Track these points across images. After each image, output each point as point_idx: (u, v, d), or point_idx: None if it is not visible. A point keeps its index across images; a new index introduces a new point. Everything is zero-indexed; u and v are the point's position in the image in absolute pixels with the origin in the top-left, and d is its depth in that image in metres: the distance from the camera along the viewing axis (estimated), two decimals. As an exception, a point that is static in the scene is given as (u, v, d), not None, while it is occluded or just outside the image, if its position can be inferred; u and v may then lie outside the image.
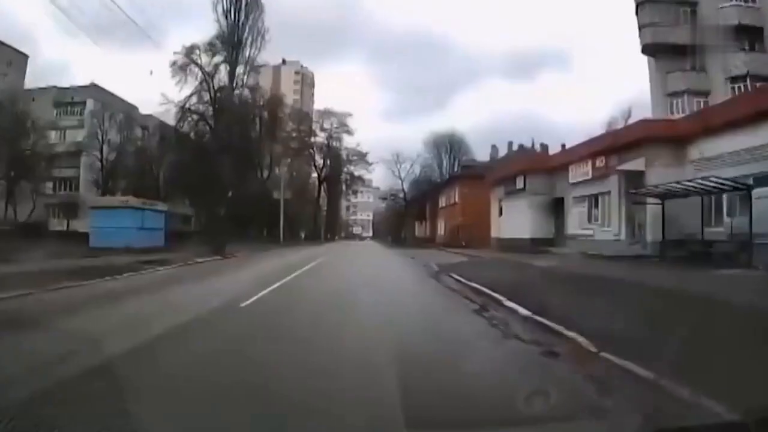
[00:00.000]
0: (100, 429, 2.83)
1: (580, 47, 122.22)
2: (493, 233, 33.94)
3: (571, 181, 25.30)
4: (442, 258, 22.38)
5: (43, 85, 49.78)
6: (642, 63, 32.50)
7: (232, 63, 29.68)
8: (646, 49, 31.64)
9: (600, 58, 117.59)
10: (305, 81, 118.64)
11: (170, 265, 16.24)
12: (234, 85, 30.15)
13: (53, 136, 49.22)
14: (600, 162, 22.82)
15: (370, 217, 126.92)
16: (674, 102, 31.09)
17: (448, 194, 47.00)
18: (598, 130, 36.89)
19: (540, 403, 3.20)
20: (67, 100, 49.53)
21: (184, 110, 31.33)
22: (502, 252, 26.69)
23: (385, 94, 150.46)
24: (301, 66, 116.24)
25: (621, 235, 21.49)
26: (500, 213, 32.90)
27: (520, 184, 28.89)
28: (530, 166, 28.28)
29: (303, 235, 67.64)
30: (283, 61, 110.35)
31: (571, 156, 25.65)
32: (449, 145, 58.93)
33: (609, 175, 22.02)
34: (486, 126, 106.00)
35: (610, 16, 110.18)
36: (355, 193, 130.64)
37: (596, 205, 24.13)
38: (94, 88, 48.71)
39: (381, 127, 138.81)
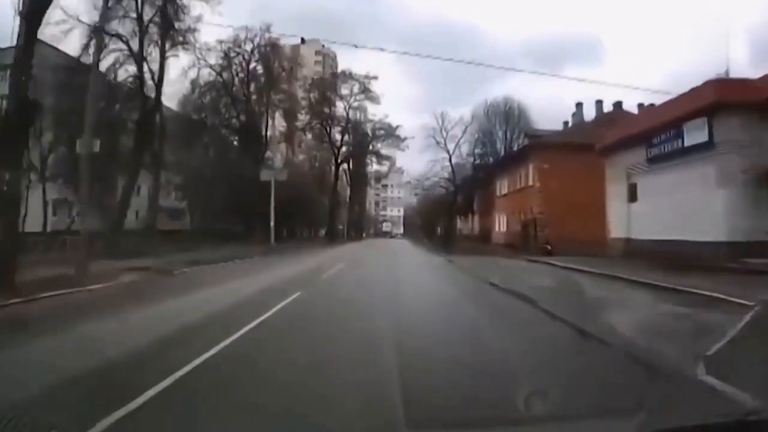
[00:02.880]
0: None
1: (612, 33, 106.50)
2: (615, 231, 20.07)
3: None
4: (608, 299, 8.92)
5: None
6: None
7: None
8: None
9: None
10: (327, 62, 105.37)
11: None
12: None
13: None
14: None
15: (401, 213, 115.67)
16: None
17: (513, 176, 33.07)
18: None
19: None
20: (7, 61, 38.03)
21: (96, 31, 18.56)
22: (663, 270, 12.77)
23: (412, 87, 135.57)
24: (323, 45, 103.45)
25: None
26: (632, 197, 18.97)
27: (696, 136, 14.91)
28: (723, 99, 14.17)
29: (324, 233, 54.97)
30: (302, 40, 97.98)
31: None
32: (505, 117, 44.61)
33: None
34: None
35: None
36: (384, 186, 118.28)
37: None
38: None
39: (408, 120, 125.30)
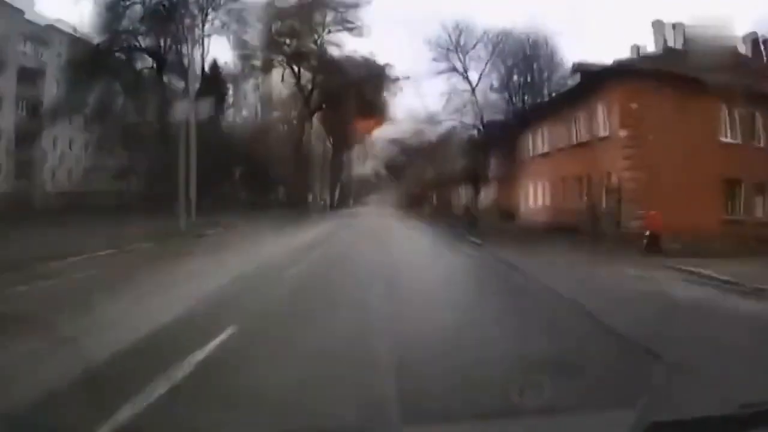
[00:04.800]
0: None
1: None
2: None
3: None
4: None
5: None
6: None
7: None
8: None
9: None
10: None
11: None
12: None
13: None
14: None
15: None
16: None
17: (563, 125, 22.43)
18: None
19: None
20: None
21: None
22: None
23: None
24: None
25: None
26: None
27: None
28: None
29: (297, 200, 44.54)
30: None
31: None
32: (528, 53, 33.32)
33: None
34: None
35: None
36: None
37: None
38: None
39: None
